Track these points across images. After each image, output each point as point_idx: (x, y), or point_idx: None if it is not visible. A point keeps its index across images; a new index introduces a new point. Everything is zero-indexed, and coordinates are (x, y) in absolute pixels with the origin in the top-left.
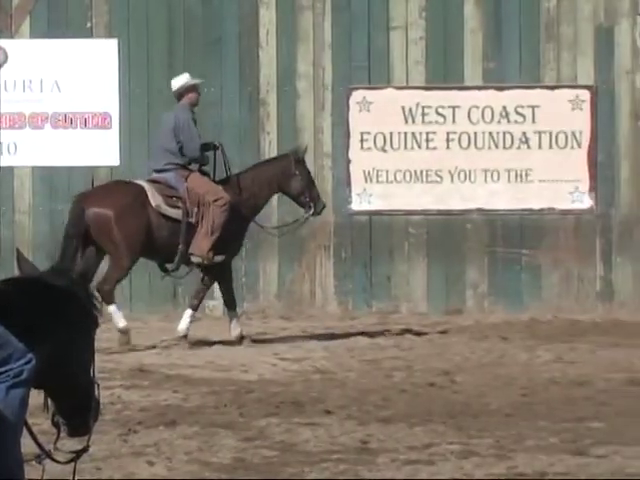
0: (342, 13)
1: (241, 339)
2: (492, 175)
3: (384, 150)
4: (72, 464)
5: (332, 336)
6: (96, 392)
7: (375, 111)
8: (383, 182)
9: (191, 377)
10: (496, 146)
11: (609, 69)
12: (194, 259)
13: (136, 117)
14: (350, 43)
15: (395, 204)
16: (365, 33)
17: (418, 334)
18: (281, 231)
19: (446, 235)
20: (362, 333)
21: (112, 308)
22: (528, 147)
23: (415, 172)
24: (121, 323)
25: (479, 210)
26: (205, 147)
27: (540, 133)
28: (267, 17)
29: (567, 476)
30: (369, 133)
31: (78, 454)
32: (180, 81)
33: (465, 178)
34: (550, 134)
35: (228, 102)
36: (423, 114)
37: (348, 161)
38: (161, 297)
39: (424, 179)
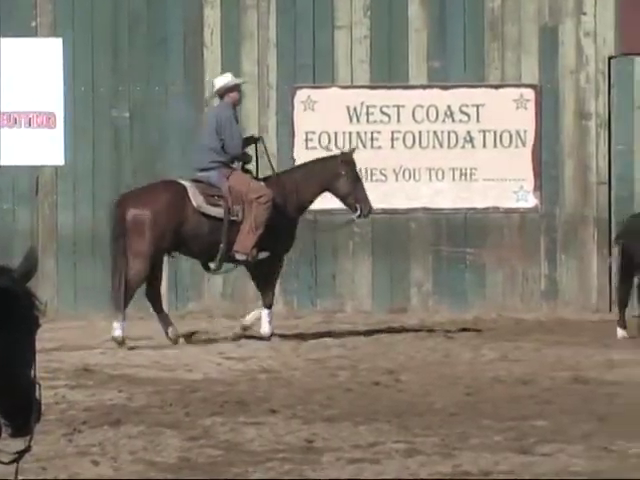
0: (287, 12)
1: (270, 337)
2: (437, 174)
3: (329, 149)
4: (15, 464)
5: (277, 335)
6: (37, 392)
7: (320, 110)
8: None
9: (136, 377)
10: (441, 145)
11: (553, 68)
12: (238, 257)
13: (81, 116)
14: (295, 42)
15: (340, 203)
16: (310, 32)
17: (363, 333)
18: (330, 232)
19: (391, 234)
20: (308, 332)
21: (117, 317)
22: (472, 146)
23: (360, 171)
24: (117, 332)
25: (424, 209)
26: (246, 142)
27: (484, 132)
28: (212, 17)
29: (512, 474)
30: (314, 132)
31: (20, 454)
32: (223, 80)
33: (410, 177)
34: (494, 133)
35: (173, 101)
36: (368, 113)
37: (293, 160)
38: (107, 296)
39: (369, 178)
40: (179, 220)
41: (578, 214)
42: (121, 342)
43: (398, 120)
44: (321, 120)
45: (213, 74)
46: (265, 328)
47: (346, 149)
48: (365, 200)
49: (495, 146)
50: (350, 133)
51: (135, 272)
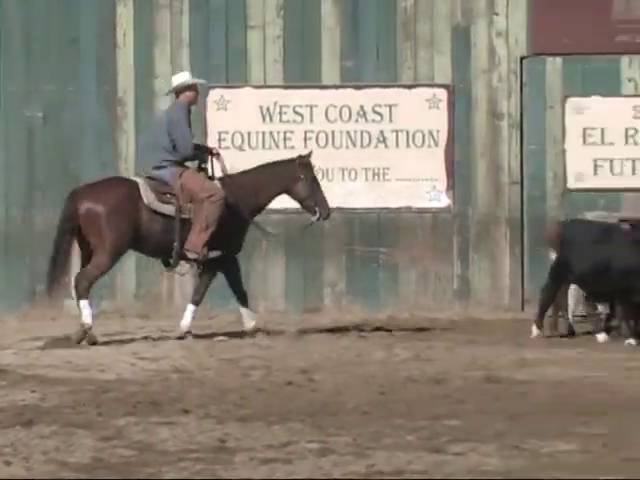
0: (200, 12)
1: (256, 331)
2: (350, 174)
3: (242, 149)
4: None
5: (190, 335)
6: None
7: (233, 110)
8: None
9: (49, 377)
10: (354, 145)
11: (466, 68)
12: (189, 255)
13: None
14: (208, 42)
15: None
16: (223, 32)
17: (276, 333)
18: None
19: (304, 234)
20: (221, 332)
21: (83, 303)
22: (385, 146)
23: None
24: (87, 320)
25: (337, 209)
26: (201, 149)
27: (397, 132)
28: (124, 16)
29: (424, 474)
30: (227, 132)
31: None
32: (180, 79)
33: (323, 177)
34: (407, 133)
35: (86, 102)
36: (281, 113)
37: None
38: (19, 296)
39: None
40: (133, 216)
41: (490, 214)
42: (89, 329)
43: (311, 120)
44: (234, 120)
45: (126, 74)
46: (186, 321)
47: (304, 152)
48: (324, 203)
49: (408, 146)
50: (263, 133)
51: (97, 266)
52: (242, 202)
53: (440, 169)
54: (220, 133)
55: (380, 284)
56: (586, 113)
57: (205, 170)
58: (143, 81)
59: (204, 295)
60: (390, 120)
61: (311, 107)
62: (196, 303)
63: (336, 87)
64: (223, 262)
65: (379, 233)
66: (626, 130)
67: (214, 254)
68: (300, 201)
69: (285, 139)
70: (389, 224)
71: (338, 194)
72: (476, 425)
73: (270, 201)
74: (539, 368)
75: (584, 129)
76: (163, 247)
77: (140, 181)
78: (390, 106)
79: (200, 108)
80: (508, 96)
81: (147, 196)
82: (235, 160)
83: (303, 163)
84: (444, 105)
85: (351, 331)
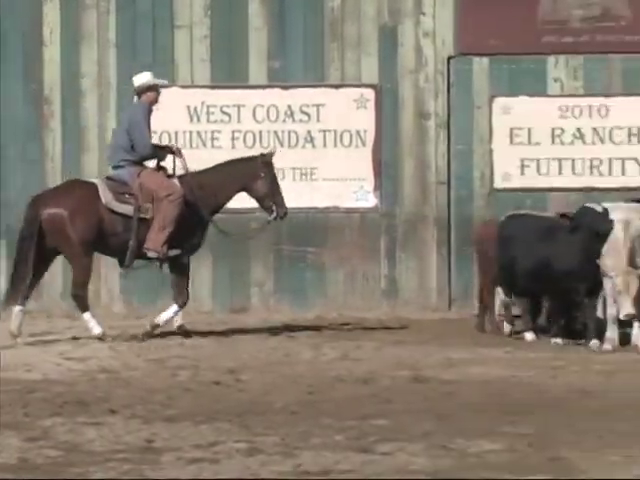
0: (126, 12)
1: (180, 328)
2: (278, 174)
3: None
4: None
5: (118, 335)
6: None
7: (160, 110)
8: None
9: None
10: (281, 145)
11: (393, 68)
12: (149, 254)
13: None
14: (135, 41)
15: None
16: (149, 32)
17: (204, 333)
18: (245, 235)
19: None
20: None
21: (86, 316)
22: (313, 146)
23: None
24: (96, 330)
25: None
26: (161, 149)
27: (325, 132)
28: (51, 15)
29: (352, 473)
30: (154, 132)
31: None
32: (141, 79)
33: None
34: (335, 133)
35: (12, 100)
36: (208, 113)
37: None
38: None
39: None
40: (95, 217)
41: (418, 213)
42: (104, 336)
43: (239, 120)
44: (161, 119)
45: (52, 73)
46: (162, 319)
47: (266, 150)
48: (282, 203)
49: (335, 146)
50: (191, 132)
51: (80, 272)
52: (201, 200)
53: (367, 169)
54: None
55: (308, 284)
56: (513, 113)
57: (164, 169)
58: (70, 80)
59: (188, 293)
60: (317, 120)
61: (238, 107)
62: (183, 304)
63: (263, 87)
64: (182, 261)
65: (307, 233)
66: (552, 130)
67: (174, 252)
68: (259, 199)
69: (212, 139)
70: (317, 224)
71: None
72: (404, 425)
73: (230, 199)
74: (466, 368)
75: (511, 129)
76: (123, 247)
77: (98, 182)
78: (317, 106)
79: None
80: (435, 96)
81: (105, 197)
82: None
83: (265, 162)
84: (371, 105)
85: (279, 331)
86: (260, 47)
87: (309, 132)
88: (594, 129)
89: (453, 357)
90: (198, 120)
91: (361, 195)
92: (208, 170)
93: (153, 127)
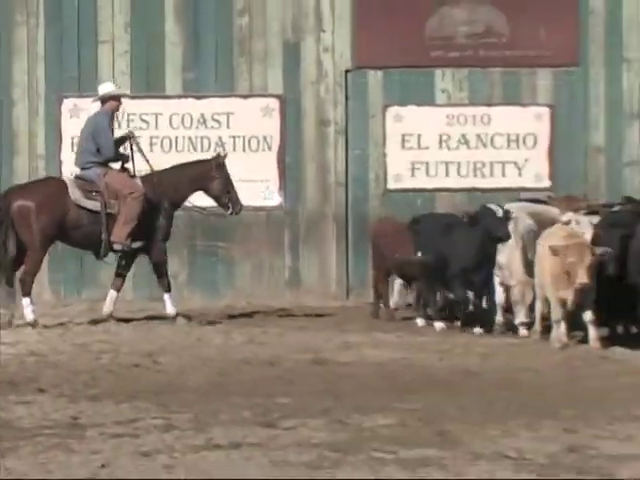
0: (54, 28)
1: (176, 316)
2: None
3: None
4: None
5: (47, 321)
6: None
7: (85, 117)
8: None
9: None
10: (195, 149)
11: (296, 80)
12: (115, 246)
13: None
14: (61, 55)
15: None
16: (75, 46)
17: (125, 320)
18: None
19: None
20: (73, 319)
21: (26, 301)
22: (223, 150)
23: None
24: (29, 317)
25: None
26: (121, 140)
27: (235, 138)
28: None
29: (258, 446)
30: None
31: None
32: (105, 89)
33: None
34: (244, 138)
35: None
36: (129, 120)
37: (60, 162)
38: None
39: None
40: (60, 211)
41: (318, 212)
42: (34, 324)
43: (156, 127)
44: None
45: None
46: (170, 309)
47: (218, 154)
48: (236, 200)
49: (244, 150)
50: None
51: (33, 262)
52: (162, 198)
53: (273, 171)
54: (73, 138)
55: (219, 275)
56: (404, 121)
57: (128, 170)
58: (2, 90)
59: (169, 282)
60: (228, 127)
61: (156, 115)
62: (168, 291)
63: (179, 97)
64: (153, 251)
65: (218, 229)
66: (440, 136)
67: (137, 244)
68: (215, 198)
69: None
70: (227, 221)
71: None
72: (305, 402)
73: (187, 197)
74: (361, 350)
75: (402, 135)
76: (91, 239)
77: (68, 180)
78: (228, 114)
79: (55, 116)
80: (334, 105)
81: (74, 193)
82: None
83: (218, 164)
84: (276, 114)
85: (192, 318)
86: (175, 61)
87: (220, 138)
88: (477, 135)
89: (350, 341)
90: (119, 127)
91: (267, 194)
92: (168, 170)
93: (78, 132)
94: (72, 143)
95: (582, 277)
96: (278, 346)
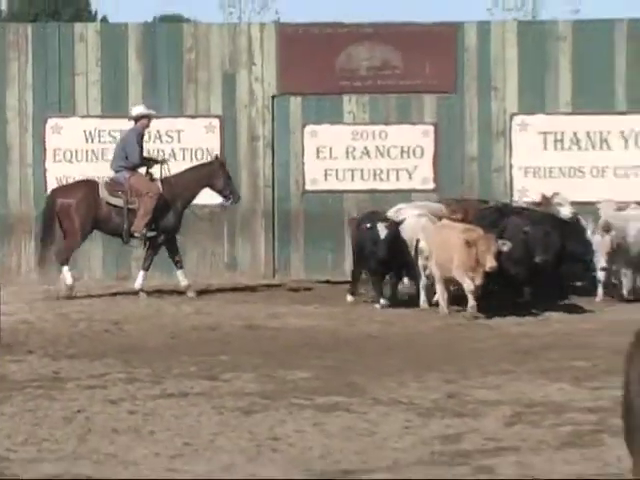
0: (40, 63)
1: (188, 287)
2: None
3: (71, 162)
4: None
5: (35, 297)
6: None
7: (65, 134)
8: None
9: None
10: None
11: (232, 104)
12: (135, 235)
13: None
14: (46, 84)
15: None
16: (57, 78)
17: (96, 295)
18: (209, 216)
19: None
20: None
21: (65, 268)
22: (175, 160)
23: (96, 177)
24: (69, 280)
25: None
26: (149, 159)
27: (184, 150)
28: None
29: (203, 395)
30: (60, 149)
31: None
32: (137, 110)
33: None
34: (191, 150)
35: None
36: (100, 136)
37: (45, 170)
38: None
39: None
40: (93, 207)
41: (250, 208)
42: (72, 286)
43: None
44: (65, 141)
45: None
46: (183, 282)
47: (217, 156)
48: (235, 192)
49: (192, 160)
50: (87, 150)
51: (71, 243)
52: (176, 196)
53: (218, 177)
54: (55, 150)
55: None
56: (319, 136)
57: (151, 174)
58: None
59: (150, 264)
60: (179, 141)
61: (121, 131)
62: (146, 269)
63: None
64: (165, 240)
65: None
66: (347, 148)
67: (151, 234)
68: (219, 191)
69: (102, 155)
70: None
71: None
72: (240, 360)
73: (197, 193)
74: (286, 319)
75: (317, 148)
76: (116, 229)
77: (100, 182)
78: (178, 131)
79: (41, 132)
80: (263, 124)
81: (103, 192)
82: (67, 170)
83: (220, 164)
84: (217, 131)
85: (151, 293)
86: (137, 88)
87: (173, 150)
88: (377, 147)
89: (276, 311)
90: (92, 141)
91: (210, 197)
92: (181, 173)
93: (60, 146)
94: (54, 154)
95: (491, 262)
96: (218, 315)
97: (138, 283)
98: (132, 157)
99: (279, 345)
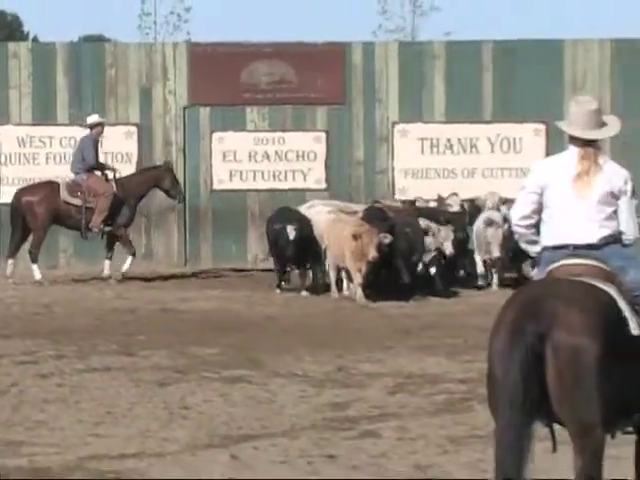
0: None
1: (110, 277)
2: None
3: (6, 165)
4: None
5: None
6: None
7: (2, 139)
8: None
9: None
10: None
11: (149, 113)
12: (93, 229)
13: None
14: None
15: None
16: None
17: (30, 283)
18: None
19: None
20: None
21: (35, 266)
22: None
23: (32, 179)
24: (37, 276)
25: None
26: (102, 165)
27: (106, 153)
28: None
29: (123, 369)
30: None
31: None
32: (92, 119)
33: None
34: (112, 154)
35: None
36: (31, 141)
37: None
38: None
39: None
40: (53, 205)
41: (165, 205)
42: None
43: (50, 146)
44: (2, 146)
45: None
46: (107, 272)
47: (166, 161)
48: (180, 191)
49: (112, 162)
50: (19, 154)
51: (36, 240)
52: (128, 194)
53: None
54: None
55: (99, 255)
56: (225, 142)
57: (106, 175)
58: None
59: (112, 253)
60: (101, 146)
61: (50, 138)
62: (109, 258)
63: (66, 125)
64: (119, 232)
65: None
66: (250, 152)
67: (107, 228)
68: (166, 191)
69: (33, 158)
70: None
71: None
72: (155, 338)
73: (147, 192)
74: (195, 302)
75: (224, 152)
76: (76, 225)
77: (61, 182)
78: (101, 138)
79: None
80: (176, 131)
81: (63, 193)
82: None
83: (167, 168)
84: (135, 137)
85: (77, 281)
86: (64, 100)
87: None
88: (276, 152)
89: (187, 296)
90: (24, 146)
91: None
92: (132, 175)
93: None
94: None
95: (373, 253)
96: (136, 300)
97: (106, 272)
98: (89, 159)
99: (189, 325)
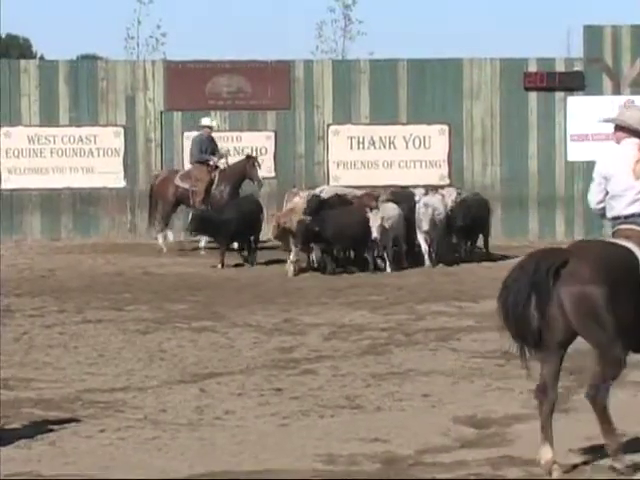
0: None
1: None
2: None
3: (18, 157)
4: None
5: None
6: None
7: (13, 137)
8: (26, 175)
9: None
10: (76, 156)
11: (133, 116)
12: (196, 206)
13: None
14: (0, 103)
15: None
16: (7, 98)
17: (39, 253)
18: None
19: (48, 206)
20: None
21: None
22: (92, 157)
23: (39, 169)
24: (164, 240)
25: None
26: (247, 158)
27: (99, 149)
28: None
29: (113, 321)
30: (10, 149)
31: None
32: (204, 121)
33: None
34: (104, 150)
35: None
36: (38, 139)
37: None
38: None
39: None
40: (172, 189)
41: (146, 189)
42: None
43: (55, 143)
44: (14, 143)
45: None
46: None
47: (248, 155)
48: (259, 180)
49: (104, 157)
50: (29, 149)
51: (163, 214)
52: (227, 183)
53: (120, 169)
54: (7, 150)
55: (92, 227)
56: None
57: (209, 166)
58: None
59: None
60: (95, 143)
61: (54, 136)
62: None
63: (67, 126)
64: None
65: (92, 200)
66: (213, 148)
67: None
68: (251, 179)
69: (40, 152)
70: (97, 194)
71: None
72: (139, 296)
73: (241, 182)
74: (171, 268)
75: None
76: (186, 202)
77: (180, 171)
78: (95, 136)
79: None
80: (154, 131)
81: (176, 179)
82: (16, 163)
83: (252, 161)
84: (122, 135)
85: (75, 251)
86: (65, 106)
87: (90, 150)
88: (235, 148)
89: (164, 262)
90: (33, 143)
91: (117, 181)
92: (229, 166)
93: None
94: (6, 153)
95: (274, 234)
96: (123, 265)
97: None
98: (195, 155)
99: (165, 286)
